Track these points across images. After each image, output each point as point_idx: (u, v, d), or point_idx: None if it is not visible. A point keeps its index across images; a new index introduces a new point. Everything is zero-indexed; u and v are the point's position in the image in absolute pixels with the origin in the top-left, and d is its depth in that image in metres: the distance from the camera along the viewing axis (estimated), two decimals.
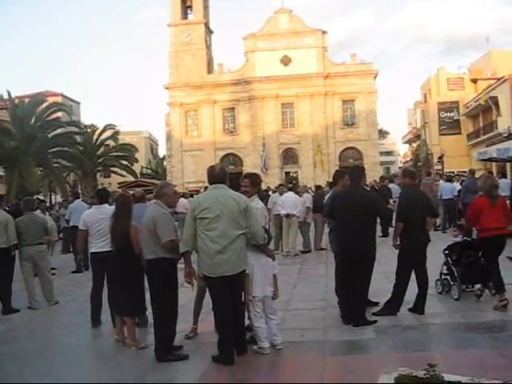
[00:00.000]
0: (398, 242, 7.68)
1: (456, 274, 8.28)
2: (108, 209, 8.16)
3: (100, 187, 41.13)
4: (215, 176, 6.20)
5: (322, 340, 6.75)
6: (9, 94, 37.40)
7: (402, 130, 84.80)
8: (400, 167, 74.49)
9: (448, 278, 8.54)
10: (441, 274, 8.69)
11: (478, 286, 8.29)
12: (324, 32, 58.50)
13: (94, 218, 8.21)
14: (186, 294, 7.24)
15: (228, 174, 6.44)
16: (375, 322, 7.23)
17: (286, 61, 57.12)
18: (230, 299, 6.01)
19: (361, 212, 7.21)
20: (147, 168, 71.31)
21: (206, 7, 61.22)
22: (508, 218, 7.88)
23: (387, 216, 7.79)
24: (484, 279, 8.11)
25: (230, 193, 6.11)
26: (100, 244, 8.01)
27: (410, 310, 7.65)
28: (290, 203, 14.73)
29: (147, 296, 7.04)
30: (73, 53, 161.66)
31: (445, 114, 51.57)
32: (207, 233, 5.87)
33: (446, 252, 8.65)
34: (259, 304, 6.24)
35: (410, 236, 7.53)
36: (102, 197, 8.74)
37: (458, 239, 8.74)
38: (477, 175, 17.51)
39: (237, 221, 5.93)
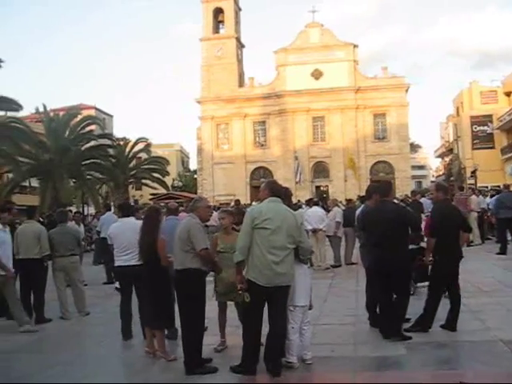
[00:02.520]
0: (431, 258, 7.58)
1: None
2: (132, 222, 8.17)
3: (132, 199, 41.59)
4: (275, 189, 6.32)
5: (352, 356, 6.69)
6: (44, 108, 38.10)
7: (435, 143, 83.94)
8: (432, 181, 73.70)
9: None
10: None
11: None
12: (355, 46, 58.44)
13: (118, 232, 8.22)
14: (214, 307, 7.25)
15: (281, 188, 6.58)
16: (410, 338, 7.14)
17: (316, 74, 57.18)
18: (273, 311, 6.06)
19: (392, 226, 7.17)
20: (178, 181, 71.80)
21: (237, 22, 61.78)
22: None
23: (418, 226, 7.74)
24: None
25: (286, 207, 6.24)
26: (124, 258, 7.99)
27: (442, 326, 7.53)
28: (315, 218, 14.67)
29: (177, 309, 7.09)
30: (106, 66, 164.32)
31: (478, 128, 50.94)
32: (267, 244, 5.93)
33: None
34: (299, 315, 6.25)
35: (442, 251, 7.43)
36: (124, 210, 8.67)
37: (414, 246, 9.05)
38: None
39: (292, 234, 6.05)
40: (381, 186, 7.99)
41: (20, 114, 31.81)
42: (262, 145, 59.13)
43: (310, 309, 6.46)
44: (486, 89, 53.87)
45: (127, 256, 7.91)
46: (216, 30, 61.40)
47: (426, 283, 8.56)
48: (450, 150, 60.45)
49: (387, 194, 7.68)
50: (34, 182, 39.42)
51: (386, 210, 7.40)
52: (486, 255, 15.31)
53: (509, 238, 16.51)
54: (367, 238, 7.75)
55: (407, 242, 7.57)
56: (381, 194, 7.71)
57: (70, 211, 22.36)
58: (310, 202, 16.72)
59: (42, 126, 37.90)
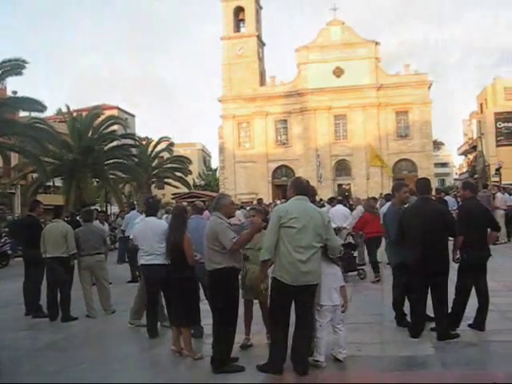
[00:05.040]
0: (458, 256, 7.49)
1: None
2: (154, 224, 8.15)
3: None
4: (301, 188, 6.29)
5: (379, 355, 6.64)
6: (68, 108, 38.52)
7: (458, 141, 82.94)
8: (455, 179, 73.00)
9: None
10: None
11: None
12: (377, 43, 58.06)
13: (140, 234, 8.25)
14: (240, 305, 7.24)
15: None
16: (458, 335, 7.08)
17: (338, 72, 56.92)
18: (299, 311, 6.06)
19: (435, 225, 7.07)
20: (200, 179, 72.06)
21: (258, 20, 61.74)
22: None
23: (454, 226, 7.57)
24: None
25: (312, 205, 6.22)
26: (147, 257, 8.02)
27: (469, 325, 7.44)
28: (339, 216, 14.58)
29: (202, 307, 7.10)
30: (129, 67, 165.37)
31: (502, 125, 50.25)
32: (293, 242, 5.91)
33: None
34: (327, 314, 6.23)
35: (470, 250, 7.34)
36: (150, 207, 8.52)
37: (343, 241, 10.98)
38: None
39: (319, 233, 6.02)
40: (420, 182, 7.81)
41: (43, 115, 32.12)
42: (284, 143, 59.07)
43: (342, 312, 6.42)
44: (510, 85, 53.11)
45: (150, 256, 7.96)
46: (237, 28, 61.44)
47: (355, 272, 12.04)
48: (474, 148, 59.75)
49: (427, 191, 7.61)
50: (58, 182, 39.84)
51: (428, 208, 7.30)
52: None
53: None
54: (403, 237, 7.52)
55: (447, 243, 7.44)
56: (420, 191, 7.59)
57: (97, 210, 22.58)
58: (332, 201, 16.62)
59: (65, 126, 38.33)
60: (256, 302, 7.19)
